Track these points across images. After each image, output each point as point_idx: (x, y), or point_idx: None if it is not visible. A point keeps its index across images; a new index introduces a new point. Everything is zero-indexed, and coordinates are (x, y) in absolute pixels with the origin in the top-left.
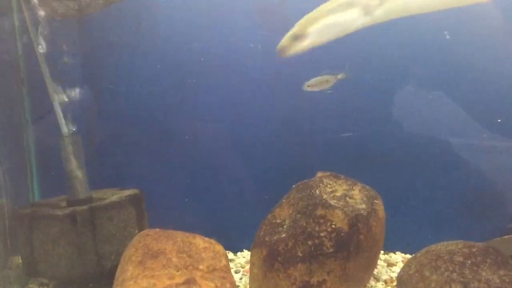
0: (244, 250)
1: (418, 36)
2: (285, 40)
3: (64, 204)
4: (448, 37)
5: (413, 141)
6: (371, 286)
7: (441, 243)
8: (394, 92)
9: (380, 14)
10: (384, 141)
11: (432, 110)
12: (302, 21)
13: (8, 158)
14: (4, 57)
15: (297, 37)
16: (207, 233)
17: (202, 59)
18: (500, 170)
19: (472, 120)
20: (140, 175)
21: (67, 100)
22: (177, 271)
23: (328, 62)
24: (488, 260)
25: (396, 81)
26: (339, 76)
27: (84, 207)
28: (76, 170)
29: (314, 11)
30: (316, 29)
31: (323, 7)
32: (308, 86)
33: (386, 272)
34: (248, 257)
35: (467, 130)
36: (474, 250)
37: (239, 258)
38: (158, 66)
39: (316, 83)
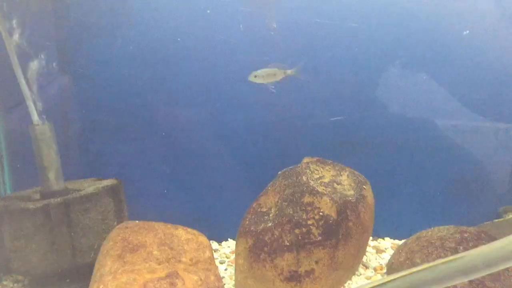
0: (228, 239)
1: (403, 20)
2: None
3: (37, 196)
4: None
5: (402, 126)
6: (360, 274)
7: (432, 228)
8: (382, 77)
9: None
10: (372, 126)
11: (421, 95)
12: None
13: None
14: None
15: None
16: (190, 223)
17: (179, 40)
18: (489, 153)
19: (461, 104)
20: (119, 164)
21: (37, 86)
22: (159, 265)
23: (313, 50)
24: (481, 246)
25: (383, 66)
26: (288, 72)
27: (58, 199)
28: (49, 160)
29: None
30: None
31: None
32: (255, 76)
33: (375, 259)
34: (233, 247)
35: (456, 114)
36: (466, 235)
37: (223, 247)
38: (131, 47)
39: (263, 75)
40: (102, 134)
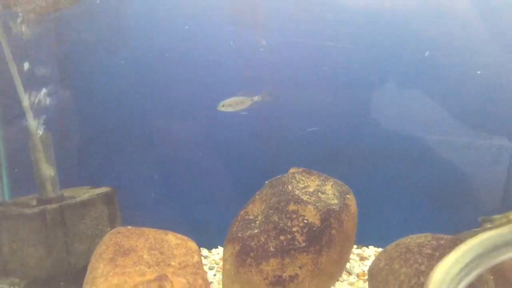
0: (219, 247)
1: (396, 34)
2: None
3: (34, 203)
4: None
5: (385, 137)
6: (344, 280)
7: (411, 236)
8: (368, 88)
9: None
10: (356, 137)
11: (405, 105)
12: None
13: None
14: None
15: None
16: (182, 231)
17: (167, 55)
18: (472, 165)
19: (446, 117)
20: (113, 173)
21: (37, 99)
22: (149, 268)
23: (307, 59)
24: None
25: (373, 78)
26: (255, 99)
27: (54, 205)
28: (46, 168)
29: None
30: None
31: None
32: (223, 106)
33: (359, 266)
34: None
35: (440, 126)
36: (442, 242)
37: (213, 255)
38: (122, 62)
39: (231, 104)
40: (98, 145)
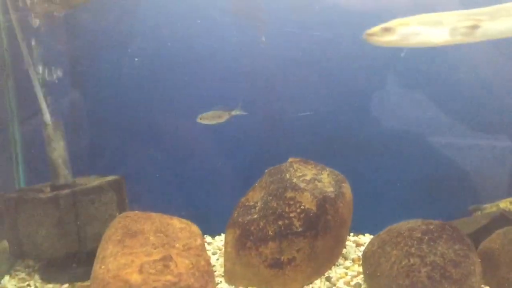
0: (221, 234)
1: None
2: (375, 28)
3: (48, 190)
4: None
5: (383, 130)
6: (340, 264)
7: (402, 222)
8: (370, 84)
9: (467, 38)
10: (354, 129)
11: (406, 100)
12: (396, 20)
13: None
14: None
15: (386, 30)
16: (186, 218)
17: (169, 44)
18: (464, 159)
19: (444, 115)
20: (122, 163)
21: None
22: (154, 249)
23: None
24: (444, 236)
25: (372, 71)
26: (233, 113)
27: (67, 191)
28: (59, 157)
29: (410, 17)
30: (405, 31)
31: (418, 16)
32: (200, 118)
33: (355, 252)
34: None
35: (440, 122)
36: (431, 227)
37: (216, 241)
38: (136, 60)
39: (208, 117)
40: (108, 137)
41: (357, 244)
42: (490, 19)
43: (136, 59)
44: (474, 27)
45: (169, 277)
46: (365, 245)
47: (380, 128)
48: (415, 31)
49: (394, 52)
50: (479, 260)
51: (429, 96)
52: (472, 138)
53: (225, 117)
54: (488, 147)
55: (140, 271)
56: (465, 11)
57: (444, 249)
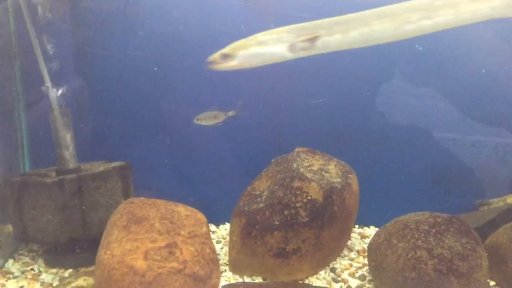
0: (226, 223)
1: None
2: (215, 55)
3: (53, 174)
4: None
5: (392, 124)
6: (344, 256)
7: (409, 214)
8: (377, 79)
9: (307, 51)
10: (363, 122)
11: (415, 97)
12: (235, 44)
13: (0, 130)
14: None
15: (226, 56)
16: (191, 206)
17: (186, 36)
18: (471, 153)
19: (451, 110)
20: (128, 150)
21: (57, 73)
22: (160, 236)
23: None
24: (452, 229)
25: (383, 70)
26: (229, 114)
27: (72, 175)
28: (65, 141)
29: (248, 38)
30: (245, 54)
31: (256, 36)
32: (197, 119)
33: (360, 243)
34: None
35: (441, 116)
36: (439, 220)
37: (221, 230)
38: (144, 45)
39: (205, 118)
40: (115, 122)
41: (362, 236)
42: (328, 32)
43: (144, 47)
44: (313, 40)
45: (174, 264)
46: (370, 237)
47: (388, 121)
48: (255, 53)
49: (402, 47)
50: (486, 254)
51: (437, 91)
52: (479, 132)
53: (221, 117)
54: (495, 142)
55: (145, 257)
56: (303, 25)
57: (451, 242)
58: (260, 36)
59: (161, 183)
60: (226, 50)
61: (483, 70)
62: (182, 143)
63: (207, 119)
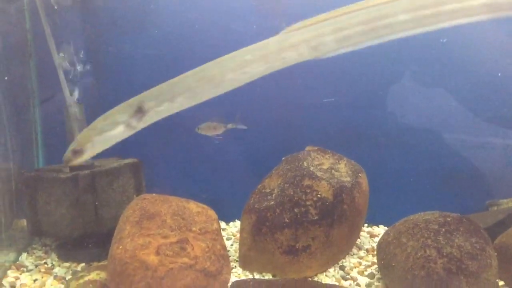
0: (236, 220)
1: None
2: (67, 153)
3: (67, 170)
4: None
5: (401, 123)
6: (354, 254)
7: (419, 213)
8: (387, 79)
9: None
10: (374, 122)
11: (422, 97)
12: (79, 139)
13: (15, 126)
14: (13, 30)
15: (76, 152)
16: (202, 203)
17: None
18: (480, 154)
19: (463, 110)
20: (140, 146)
21: (71, 70)
22: (171, 231)
23: None
24: (461, 229)
25: (393, 69)
26: (229, 126)
27: (86, 171)
28: None
29: (88, 128)
30: (91, 145)
31: (94, 124)
32: (198, 129)
33: (369, 242)
34: (239, 227)
35: (451, 116)
36: (448, 219)
37: (231, 227)
38: (157, 40)
39: (205, 128)
40: None
41: (371, 234)
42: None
43: (157, 44)
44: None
45: (185, 260)
46: (379, 236)
47: (398, 121)
48: (100, 140)
49: (411, 47)
50: (496, 254)
51: (448, 92)
52: (490, 133)
53: (220, 129)
54: (505, 143)
55: (157, 253)
56: (131, 101)
57: (461, 241)
58: (98, 123)
59: (173, 180)
60: (74, 145)
61: (499, 74)
62: (194, 141)
63: (207, 129)
